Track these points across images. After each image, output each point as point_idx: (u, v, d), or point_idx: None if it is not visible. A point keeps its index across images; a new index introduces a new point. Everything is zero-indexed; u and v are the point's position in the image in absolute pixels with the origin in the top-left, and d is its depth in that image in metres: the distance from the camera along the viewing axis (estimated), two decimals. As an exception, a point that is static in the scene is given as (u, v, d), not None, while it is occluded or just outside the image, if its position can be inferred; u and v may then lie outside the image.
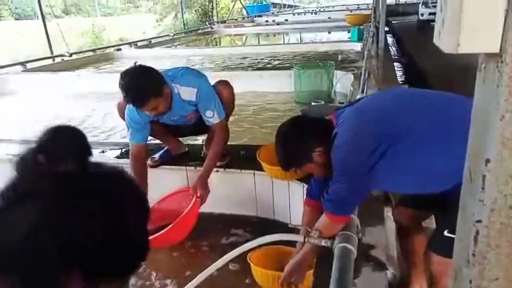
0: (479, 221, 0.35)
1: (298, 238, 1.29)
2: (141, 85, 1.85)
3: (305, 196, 1.69)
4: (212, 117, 2.10)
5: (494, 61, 0.32)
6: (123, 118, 2.25)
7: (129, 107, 2.03)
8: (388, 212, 1.68)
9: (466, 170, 0.37)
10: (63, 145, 0.45)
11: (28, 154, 0.44)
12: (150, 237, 1.97)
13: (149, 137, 2.23)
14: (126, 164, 2.45)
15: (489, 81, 0.33)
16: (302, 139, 1.34)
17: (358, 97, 2.40)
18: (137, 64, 1.96)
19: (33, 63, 6.67)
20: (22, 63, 6.38)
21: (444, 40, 0.33)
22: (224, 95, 2.21)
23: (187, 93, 2.03)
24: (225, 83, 2.28)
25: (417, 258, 1.59)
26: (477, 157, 0.35)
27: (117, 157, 2.61)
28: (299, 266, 1.41)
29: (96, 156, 2.65)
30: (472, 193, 0.36)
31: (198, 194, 2.02)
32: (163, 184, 2.23)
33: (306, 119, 1.43)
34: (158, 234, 1.91)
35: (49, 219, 0.40)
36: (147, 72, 1.91)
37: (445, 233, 1.27)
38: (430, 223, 1.62)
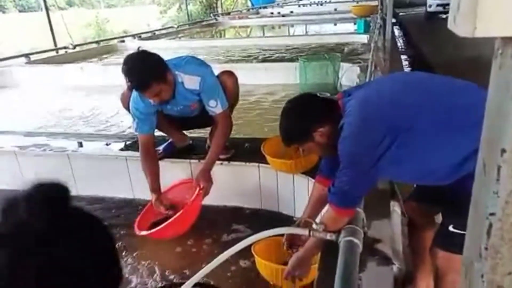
0: (493, 214, 0.34)
1: (303, 232, 1.28)
2: (144, 69, 1.84)
3: (310, 188, 1.67)
4: (215, 107, 2.08)
5: (512, 46, 0.30)
6: (126, 108, 2.24)
7: (134, 96, 2.03)
8: (394, 206, 1.66)
9: (479, 161, 0.36)
10: (42, 200, 0.51)
11: (12, 203, 0.50)
12: (153, 230, 1.98)
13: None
14: (130, 156, 2.47)
15: (506, 68, 0.31)
16: (304, 117, 1.32)
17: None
18: (141, 49, 1.96)
19: (37, 55, 6.67)
20: (26, 55, 6.39)
21: (460, 24, 0.31)
22: (228, 85, 2.19)
23: (190, 81, 2.01)
24: (229, 73, 2.26)
25: (425, 254, 1.56)
26: (492, 147, 0.33)
27: (121, 149, 2.61)
28: (303, 260, 1.41)
29: (101, 148, 2.66)
30: (486, 185, 0.34)
31: (202, 186, 2.02)
32: (167, 177, 2.23)
33: (314, 97, 1.40)
34: (160, 226, 1.91)
35: (21, 260, 0.47)
36: (150, 57, 1.91)
37: (450, 228, 1.25)
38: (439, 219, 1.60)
